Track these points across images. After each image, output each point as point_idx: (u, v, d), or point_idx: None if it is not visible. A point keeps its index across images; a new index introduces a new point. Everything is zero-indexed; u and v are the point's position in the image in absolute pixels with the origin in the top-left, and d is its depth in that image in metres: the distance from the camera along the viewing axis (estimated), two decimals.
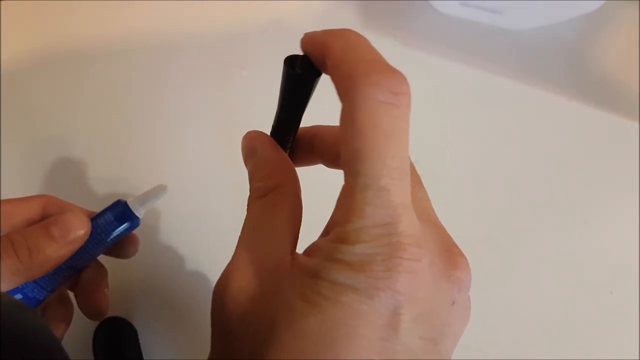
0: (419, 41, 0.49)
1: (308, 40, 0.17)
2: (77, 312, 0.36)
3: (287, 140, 0.21)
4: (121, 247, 0.30)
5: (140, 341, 0.35)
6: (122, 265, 0.38)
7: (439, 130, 0.45)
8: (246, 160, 0.21)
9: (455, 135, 0.45)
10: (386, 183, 0.15)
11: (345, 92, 0.15)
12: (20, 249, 0.24)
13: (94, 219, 0.28)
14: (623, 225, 0.41)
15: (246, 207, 0.19)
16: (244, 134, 0.41)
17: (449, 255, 0.17)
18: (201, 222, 0.40)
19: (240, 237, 0.18)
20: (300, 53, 0.18)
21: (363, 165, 0.15)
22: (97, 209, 0.36)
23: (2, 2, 0.48)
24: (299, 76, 0.18)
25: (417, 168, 0.19)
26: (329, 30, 0.17)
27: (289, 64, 0.18)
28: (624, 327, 0.38)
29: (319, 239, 0.17)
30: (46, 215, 0.28)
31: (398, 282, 0.14)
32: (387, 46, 0.48)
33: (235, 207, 0.40)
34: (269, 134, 0.22)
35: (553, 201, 0.42)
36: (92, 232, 0.27)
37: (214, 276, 0.38)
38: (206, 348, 0.37)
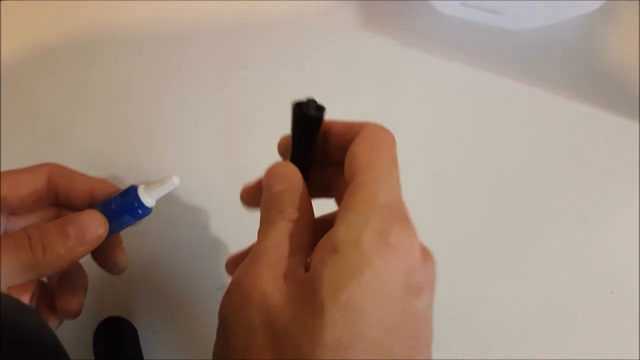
0: (419, 41, 0.49)
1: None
2: None
3: (303, 169, 0.25)
4: (110, 262, 0.30)
5: (141, 341, 0.35)
6: None
7: (439, 130, 0.45)
8: (274, 182, 0.24)
9: (454, 135, 0.45)
10: (391, 180, 0.21)
11: (358, 133, 0.23)
12: (35, 245, 0.24)
13: (105, 205, 0.28)
14: (623, 226, 0.41)
15: (265, 219, 0.22)
16: (243, 133, 0.42)
17: None
18: (201, 221, 0.40)
19: (264, 244, 0.21)
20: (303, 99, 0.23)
21: (375, 169, 0.21)
22: None
23: (2, 2, 0.48)
24: (315, 118, 0.23)
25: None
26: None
27: (299, 108, 0.23)
28: (624, 328, 0.38)
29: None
30: (52, 184, 0.28)
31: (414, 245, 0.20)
32: (387, 46, 0.49)
33: (235, 207, 0.41)
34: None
35: (552, 201, 0.42)
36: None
37: (215, 275, 0.38)
38: (207, 347, 0.37)
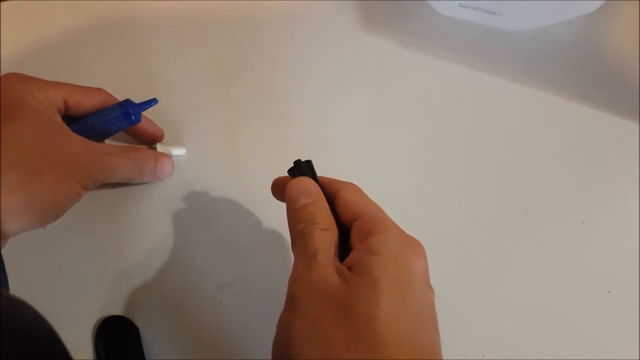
0: (418, 42, 0.49)
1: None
2: (78, 311, 0.36)
3: None
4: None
5: (142, 339, 0.36)
6: (124, 263, 0.38)
7: (438, 130, 0.45)
8: (301, 196, 0.28)
9: (454, 135, 0.45)
10: (384, 213, 0.29)
11: (342, 187, 0.29)
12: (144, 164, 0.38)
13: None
14: (621, 226, 0.41)
15: (302, 229, 0.27)
16: (244, 133, 0.43)
17: None
18: (201, 220, 0.40)
19: (312, 248, 0.26)
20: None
21: (373, 207, 0.28)
22: (97, 208, 0.37)
23: (2, 2, 0.48)
24: (307, 161, 0.30)
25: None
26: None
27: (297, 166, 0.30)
28: (622, 327, 0.38)
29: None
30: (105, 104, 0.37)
31: None
32: (385, 47, 0.49)
33: (235, 206, 0.41)
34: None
35: (551, 201, 0.42)
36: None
37: (216, 274, 0.38)
38: (208, 346, 0.38)
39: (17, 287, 0.31)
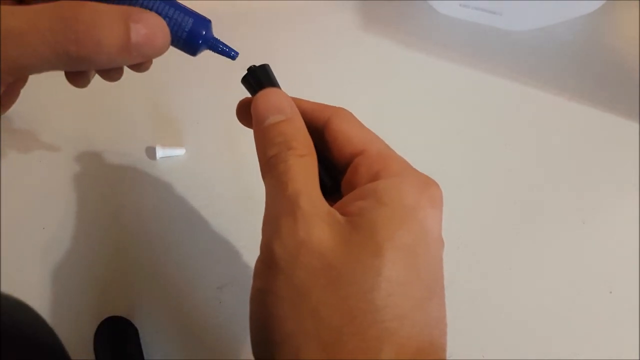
0: (419, 42, 0.49)
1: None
2: (77, 312, 0.36)
3: None
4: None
5: (142, 340, 0.36)
6: (124, 263, 0.38)
7: (439, 130, 0.45)
8: (270, 113, 0.23)
9: (454, 135, 0.45)
10: (391, 150, 0.24)
11: (332, 114, 0.24)
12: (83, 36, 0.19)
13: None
14: (622, 226, 0.41)
15: (278, 159, 0.22)
16: (244, 133, 0.41)
17: None
18: (201, 221, 0.40)
19: (292, 187, 0.21)
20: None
21: (378, 141, 0.24)
22: (97, 209, 0.36)
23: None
24: (259, 66, 0.25)
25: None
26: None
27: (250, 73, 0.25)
28: (623, 327, 0.38)
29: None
30: None
31: None
32: (386, 47, 0.49)
33: (236, 206, 0.41)
34: None
35: (551, 201, 0.42)
36: None
37: (215, 274, 0.38)
38: (208, 346, 0.38)
39: (18, 288, 0.31)
